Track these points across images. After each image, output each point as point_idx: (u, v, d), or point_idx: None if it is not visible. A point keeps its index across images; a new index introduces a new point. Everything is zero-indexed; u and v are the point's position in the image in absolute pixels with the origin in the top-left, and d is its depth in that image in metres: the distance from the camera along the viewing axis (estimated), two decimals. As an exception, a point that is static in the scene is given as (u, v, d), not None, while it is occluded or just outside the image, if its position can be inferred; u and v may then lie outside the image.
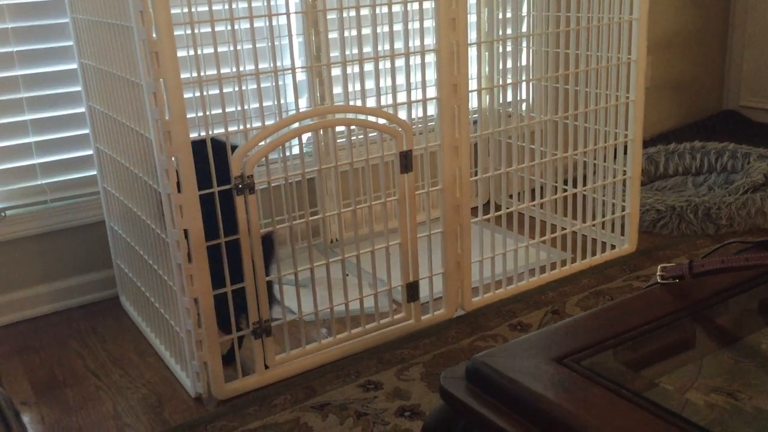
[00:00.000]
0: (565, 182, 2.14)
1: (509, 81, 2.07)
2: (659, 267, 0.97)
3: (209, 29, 1.44)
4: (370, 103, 1.70)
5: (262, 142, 1.51)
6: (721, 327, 1.05)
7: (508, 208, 1.97)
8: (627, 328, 0.88)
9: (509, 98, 2.12)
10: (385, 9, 1.65)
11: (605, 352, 0.85)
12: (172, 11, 1.35)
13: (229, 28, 1.47)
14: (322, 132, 2.15)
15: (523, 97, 2.18)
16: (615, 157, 2.10)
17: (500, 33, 2.24)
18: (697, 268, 0.97)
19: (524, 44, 2.22)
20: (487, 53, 2.33)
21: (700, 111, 3.32)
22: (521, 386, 0.77)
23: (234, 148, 1.47)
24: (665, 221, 2.29)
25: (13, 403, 0.85)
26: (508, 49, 2.18)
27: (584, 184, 2.12)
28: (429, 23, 1.73)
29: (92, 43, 1.72)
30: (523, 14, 2.27)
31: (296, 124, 1.58)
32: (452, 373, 0.84)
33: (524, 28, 2.29)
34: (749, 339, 1.04)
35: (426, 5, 1.69)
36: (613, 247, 2.16)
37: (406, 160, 1.68)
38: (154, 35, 1.34)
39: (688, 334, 0.99)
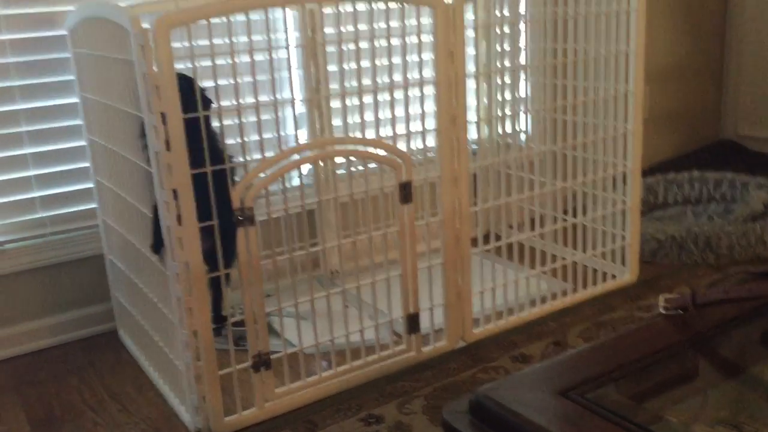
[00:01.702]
0: (565, 212, 2.14)
1: (508, 112, 2.08)
2: (662, 298, 0.96)
3: (209, 63, 1.45)
4: (370, 134, 1.71)
5: (262, 174, 1.51)
6: (725, 358, 1.04)
7: (508, 239, 1.97)
8: (631, 359, 0.87)
9: (508, 129, 2.14)
10: (384, 42, 1.67)
11: (609, 385, 0.84)
12: (173, 45, 1.36)
13: (229, 61, 1.48)
14: (321, 163, 2.16)
15: (522, 127, 2.19)
16: (614, 186, 2.11)
17: (498, 65, 2.26)
18: (700, 299, 0.97)
19: (522, 76, 2.24)
20: (485, 84, 2.35)
21: (698, 141, 3.33)
22: (525, 420, 0.76)
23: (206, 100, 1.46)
24: (666, 251, 2.28)
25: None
26: (507, 80, 2.19)
27: (584, 214, 2.12)
28: (427, 56, 1.74)
29: (93, 77, 1.73)
30: (521, 46, 2.30)
31: (296, 156, 1.58)
32: (455, 407, 0.83)
33: (522, 60, 2.31)
34: (754, 370, 1.03)
35: (424, 38, 1.70)
36: (613, 277, 2.16)
37: (405, 191, 1.68)
38: (155, 69, 1.35)
39: (692, 366, 0.98)
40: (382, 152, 1.65)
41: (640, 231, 2.22)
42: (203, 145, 1.44)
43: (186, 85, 1.44)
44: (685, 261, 2.26)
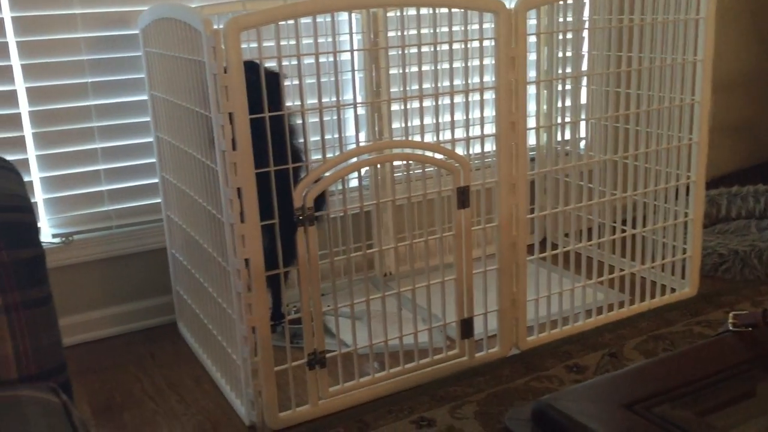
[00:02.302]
0: (624, 222, 2.11)
1: (567, 119, 2.06)
2: (731, 314, 0.94)
3: (275, 64, 1.48)
4: (429, 138, 1.71)
5: (327, 173, 1.53)
6: (794, 378, 1.01)
7: (565, 247, 1.95)
8: (698, 376, 0.86)
9: (567, 137, 2.11)
10: (445, 47, 1.67)
11: (676, 400, 0.83)
12: (242, 46, 1.40)
13: (294, 62, 1.51)
14: (379, 166, 2.17)
15: (582, 135, 2.17)
16: (676, 198, 2.06)
17: (560, 71, 2.24)
18: (770, 316, 0.94)
19: (584, 83, 2.22)
20: (546, 91, 2.33)
21: (764, 153, 3.24)
22: (589, 431, 0.76)
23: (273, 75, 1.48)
24: (728, 265, 2.22)
25: (87, 426, 0.87)
26: (568, 87, 2.17)
27: (644, 225, 2.08)
28: (488, 61, 1.74)
29: (162, 76, 1.78)
30: (583, 53, 2.27)
31: (356, 158, 1.60)
32: (517, 414, 0.83)
33: (584, 67, 2.28)
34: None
35: (486, 43, 1.70)
36: (673, 290, 2.11)
37: (463, 196, 1.68)
38: (224, 70, 1.39)
39: (759, 384, 0.96)
40: (440, 156, 1.66)
41: (702, 244, 2.17)
42: (285, 143, 1.47)
43: (273, 81, 1.47)
44: (747, 277, 2.20)
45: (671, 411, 0.82)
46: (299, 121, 1.60)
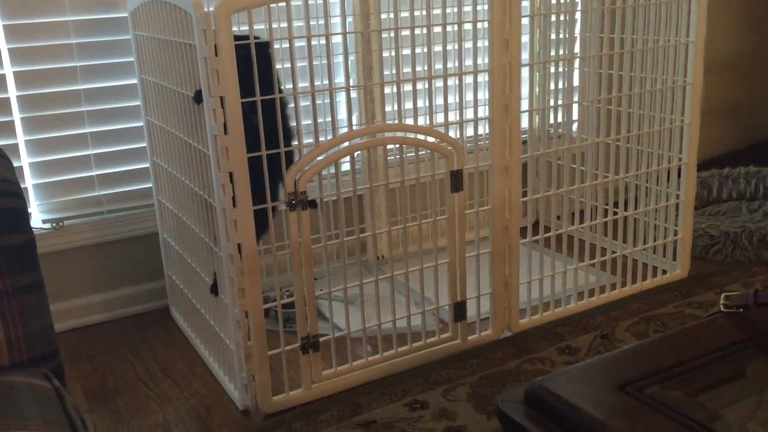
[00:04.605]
0: (616, 205, 2.11)
1: (560, 102, 2.06)
2: (723, 295, 0.95)
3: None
4: (422, 121, 1.71)
5: (320, 157, 1.52)
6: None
7: (557, 230, 1.96)
8: (690, 356, 0.86)
9: (558, 119, 2.11)
10: (438, 29, 1.66)
11: (668, 381, 0.84)
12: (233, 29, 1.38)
13: (286, 45, 1.50)
14: (372, 149, 2.16)
15: (575, 118, 2.16)
16: (668, 180, 2.07)
17: (552, 54, 2.23)
18: (762, 297, 0.95)
19: (576, 65, 2.21)
20: (538, 74, 2.33)
21: (755, 135, 3.24)
22: (583, 413, 0.76)
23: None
24: (719, 247, 2.24)
25: (80, 412, 0.87)
26: (560, 69, 2.17)
27: (635, 207, 2.09)
28: (481, 43, 1.73)
29: (153, 60, 1.76)
30: (575, 35, 2.26)
31: (349, 142, 1.59)
32: (510, 397, 0.84)
33: (576, 50, 2.28)
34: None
35: (479, 26, 1.69)
36: (664, 272, 2.12)
37: (456, 180, 1.68)
38: (215, 53, 1.38)
39: (751, 365, 0.97)
40: (433, 140, 1.65)
41: (693, 226, 2.18)
42: (276, 114, 1.46)
43: (262, 53, 1.45)
44: (738, 258, 2.21)
45: (663, 392, 0.83)
46: (291, 105, 1.59)
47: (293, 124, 1.63)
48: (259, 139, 1.47)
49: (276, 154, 1.52)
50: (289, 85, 1.80)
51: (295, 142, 1.62)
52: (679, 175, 2.06)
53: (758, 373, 0.95)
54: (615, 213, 2.08)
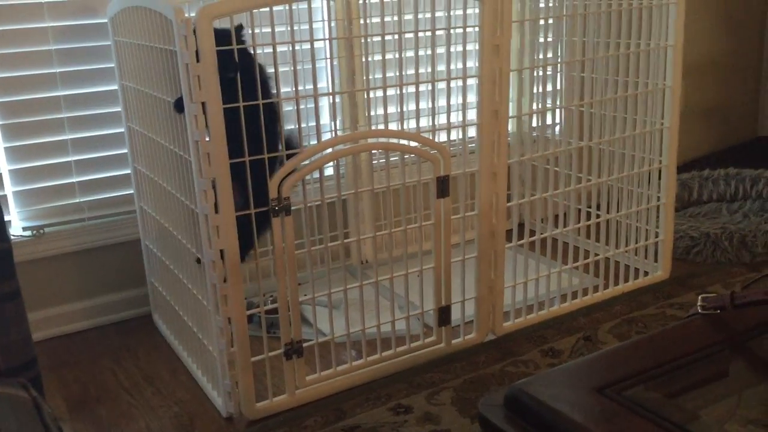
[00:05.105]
0: (598, 208, 2.13)
1: (540, 107, 2.07)
2: (700, 297, 0.96)
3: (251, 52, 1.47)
4: (409, 125, 1.70)
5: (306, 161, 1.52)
6: (762, 359, 1.04)
7: (541, 234, 1.96)
8: (668, 358, 0.87)
9: (542, 123, 2.12)
10: (426, 33, 1.65)
11: (646, 383, 0.84)
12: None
13: (268, 50, 1.50)
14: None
15: (557, 122, 2.18)
16: (649, 182, 2.09)
17: (534, 59, 2.24)
18: (738, 299, 0.96)
19: (559, 70, 2.22)
20: (523, 78, 2.34)
21: (734, 137, 3.28)
22: (562, 416, 0.77)
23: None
24: (699, 248, 2.26)
25: (57, 421, 0.86)
26: (541, 74, 2.18)
27: (617, 210, 2.10)
28: (471, 47, 1.72)
29: (133, 66, 1.76)
30: (551, 39, 2.27)
31: (333, 147, 1.59)
32: (491, 401, 0.84)
33: (560, 54, 2.29)
34: (791, 372, 1.02)
35: (469, 30, 1.68)
36: (645, 273, 2.14)
37: (443, 186, 1.68)
38: (197, 59, 1.37)
39: (728, 366, 0.98)
40: (417, 145, 1.65)
41: (674, 228, 2.20)
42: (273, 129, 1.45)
43: (247, 62, 1.44)
44: (719, 259, 2.24)
45: (641, 393, 0.84)
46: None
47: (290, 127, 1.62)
48: (255, 145, 1.47)
49: (273, 161, 1.51)
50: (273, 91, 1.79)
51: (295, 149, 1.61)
52: (659, 178, 2.08)
53: (735, 373, 0.96)
54: (597, 216, 2.10)
